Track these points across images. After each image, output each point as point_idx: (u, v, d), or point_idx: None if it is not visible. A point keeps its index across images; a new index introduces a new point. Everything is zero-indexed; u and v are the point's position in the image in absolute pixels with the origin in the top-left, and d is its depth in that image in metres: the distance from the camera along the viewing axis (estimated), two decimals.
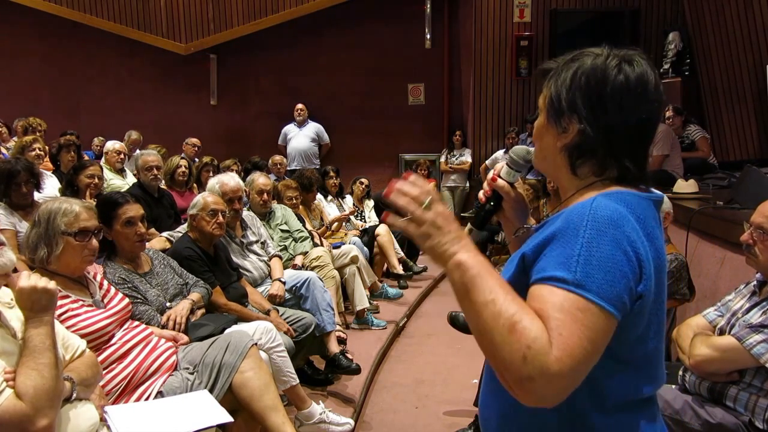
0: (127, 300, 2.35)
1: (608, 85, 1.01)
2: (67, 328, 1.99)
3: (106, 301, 2.24)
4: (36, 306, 1.52)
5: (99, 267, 2.51)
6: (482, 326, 0.91)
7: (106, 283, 2.34)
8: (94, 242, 2.15)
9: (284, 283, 3.53)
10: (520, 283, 0.99)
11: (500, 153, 7.07)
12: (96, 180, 3.89)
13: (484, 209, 1.26)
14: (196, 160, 5.90)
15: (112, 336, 2.20)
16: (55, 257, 2.08)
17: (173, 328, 2.48)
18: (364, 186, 6.37)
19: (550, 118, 1.06)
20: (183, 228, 3.41)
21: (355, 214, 6.22)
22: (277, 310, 3.22)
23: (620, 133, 1.02)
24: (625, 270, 0.92)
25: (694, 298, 3.05)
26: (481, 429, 1.17)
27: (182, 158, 5.07)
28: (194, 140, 6.97)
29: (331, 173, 6.16)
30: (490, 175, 1.26)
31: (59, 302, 2.03)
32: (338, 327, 3.70)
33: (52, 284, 1.55)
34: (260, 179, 4.12)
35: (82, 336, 2.02)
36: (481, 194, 1.27)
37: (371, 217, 6.42)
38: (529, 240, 1.06)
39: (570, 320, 0.89)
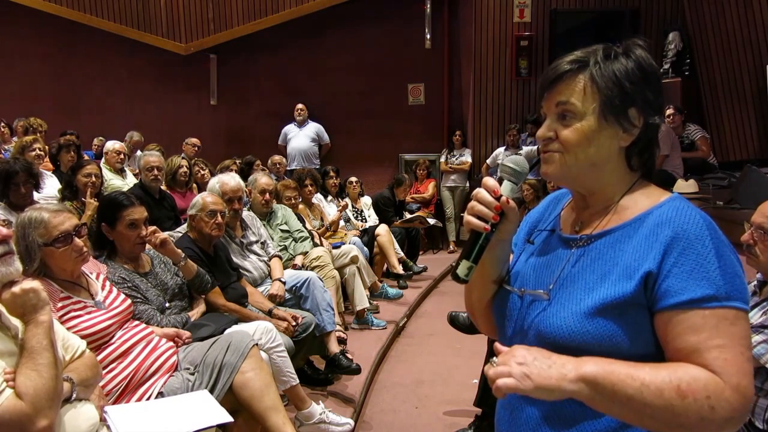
0: (129, 301, 2.34)
1: (657, 73, 1.04)
2: (69, 328, 1.98)
3: (107, 302, 2.23)
4: (27, 308, 1.52)
5: (103, 266, 2.50)
6: (653, 411, 0.89)
7: (108, 283, 2.34)
8: (77, 242, 2.07)
9: (284, 283, 3.53)
10: (633, 303, 0.95)
11: (501, 150, 7.06)
12: (94, 179, 3.89)
13: (486, 239, 1.05)
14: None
15: (113, 335, 2.20)
16: (38, 269, 2.03)
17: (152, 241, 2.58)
18: (354, 184, 6.39)
19: (610, 116, 1.00)
20: (183, 228, 3.41)
21: (355, 214, 6.22)
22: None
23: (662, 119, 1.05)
24: (741, 268, 0.95)
25: None
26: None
27: (182, 158, 5.07)
28: (194, 140, 6.96)
29: (331, 173, 6.17)
30: (485, 195, 1.05)
31: (60, 303, 2.03)
32: (338, 327, 3.70)
33: (32, 282, 1.54)
34: (263, 179, 4.13)
35: (84, 336, 2.02)
36: (475, 221, 1.04)
37: (371, 215, 6.42)
38: (616, 255, 0.99)
39: (729, 340, 0.89)
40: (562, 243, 1.10)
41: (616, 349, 0.95)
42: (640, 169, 1.05)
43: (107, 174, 5.01)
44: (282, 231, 4.17)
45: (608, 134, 1.01)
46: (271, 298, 3.38)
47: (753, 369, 0.92)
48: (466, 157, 7.63)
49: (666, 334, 0.93)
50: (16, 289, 1.51)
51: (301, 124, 7.87)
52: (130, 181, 5.20)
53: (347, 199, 6.27)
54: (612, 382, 0.90)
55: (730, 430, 0.90)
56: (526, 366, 0.92)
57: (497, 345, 1.01)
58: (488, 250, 1.09)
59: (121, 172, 5.34)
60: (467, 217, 1.06)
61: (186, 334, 2.46)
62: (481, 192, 1.06)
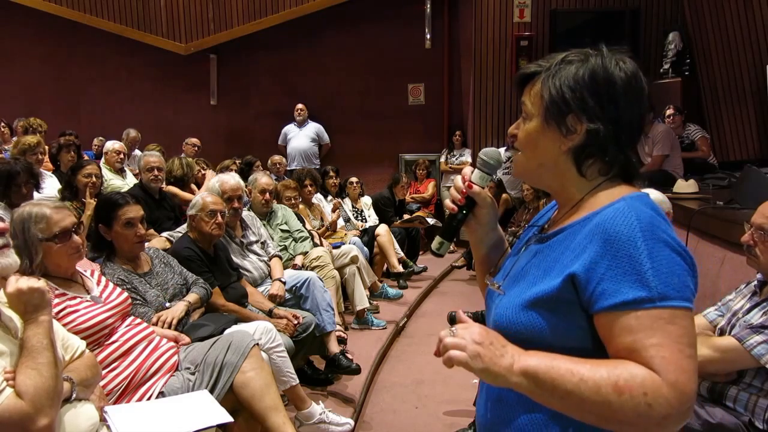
0: (126, 294, 2.35)
1: (615, 82, 1.02)
2: (67, 323, 1.99)
3: (104, 296, 2.24)
4: (29, 307, 1.52)
5: (96, 265, 2.51)
6: (590, 407, 0.91)
7: (104, 279, 2.34)
8: (76, 239, 2.08)
9: (284, 283, 3.53)
10: (561, 299, 0.98)
11: (502, 150, 7.05)
12: (94, 179, 3.89)
13: (456, 219, 1.19)
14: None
15: (114, 332, 2.20)
16: (40, 264, 2.03)
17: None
18: (355, 184, 6.38)
19: (551, 120, 1.03)
20: (183, 228, 3.41)
21: (354, 214, 6.22)
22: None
23: (626, 128, 1.03)
24: (685, 266, 0.95)
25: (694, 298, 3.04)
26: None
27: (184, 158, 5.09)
28: (194, 140, 6.96)
29: (331, 173, 6.17)
30: (458, 181, 1.19)
31: (56, 300, 2.03)
32: (338, 327, 3.70)
33: (39, 282, 1.54)
34: (263, 179, 4.13)
35: (83, 331, 2.02)
36: (449, 203, 1.19)
37: (370, 215, 6.43)
38: (560, 253, 1.02)
39: (666, 339, 0.90)
40: (531, 239, 1.15)
41: (545, 342, 0.98)
42: (597, 177, 1.05)
43: (107, 174, 5.01)
44: (282, 231, 4.17)
45: (550, 137, 1.04)
46: (272, 298, 3.38)
47: (696, 367, 0.91)
48: (466, 157, 7.63)
49: (604, 335, 0.95)
50: (23, 285, 1.51)
51: (301, 124, 7.87)
52: (130, 181, 5.20)
53: (347, 199, 6.26)
54: (552, 377, 0.92)
55: (671, 427, 0.91)
56: (481, 347, 0.95)
57: (460, 313, 1.05)
58: (471, 234, 1.23)
59: (121, 172, 5.34)
60: (445, 200, 1.22)
61: (185, 339, 2.46)
62: (456, 178, 1.19)
